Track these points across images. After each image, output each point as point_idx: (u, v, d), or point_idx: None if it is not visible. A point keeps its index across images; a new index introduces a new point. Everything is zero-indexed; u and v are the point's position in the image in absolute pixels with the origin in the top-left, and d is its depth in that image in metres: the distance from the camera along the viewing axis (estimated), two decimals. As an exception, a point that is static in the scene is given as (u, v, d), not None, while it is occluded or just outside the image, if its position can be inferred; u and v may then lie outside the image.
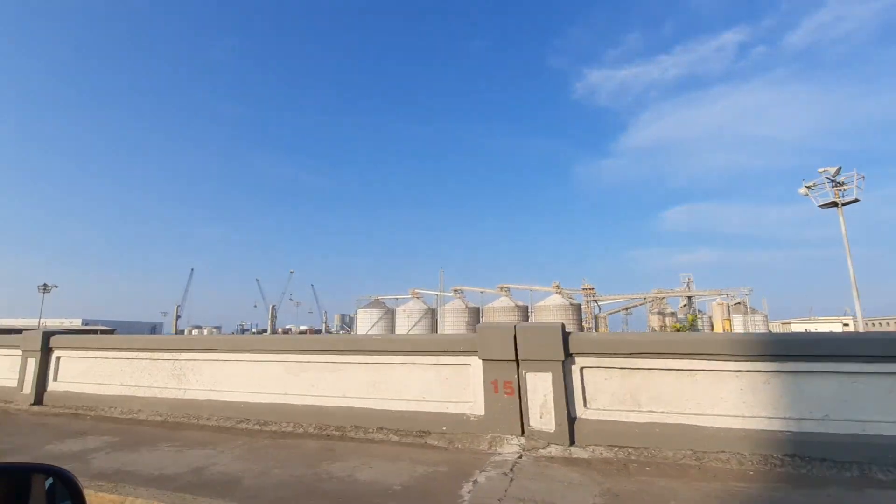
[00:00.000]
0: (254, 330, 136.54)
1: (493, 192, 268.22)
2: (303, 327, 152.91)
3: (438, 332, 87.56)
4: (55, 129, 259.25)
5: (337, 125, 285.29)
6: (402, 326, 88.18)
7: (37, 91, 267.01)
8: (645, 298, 75.83)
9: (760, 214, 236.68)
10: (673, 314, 77.19)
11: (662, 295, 76.69)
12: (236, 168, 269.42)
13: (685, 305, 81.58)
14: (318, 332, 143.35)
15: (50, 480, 1.13)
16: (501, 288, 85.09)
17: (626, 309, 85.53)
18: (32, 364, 8.32)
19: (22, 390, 8.25)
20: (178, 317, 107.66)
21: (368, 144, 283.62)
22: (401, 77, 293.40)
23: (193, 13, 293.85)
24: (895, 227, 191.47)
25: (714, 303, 67.79)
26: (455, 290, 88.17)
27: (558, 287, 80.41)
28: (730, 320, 66.51)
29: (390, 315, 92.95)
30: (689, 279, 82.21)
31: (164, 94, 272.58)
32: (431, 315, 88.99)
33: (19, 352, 8.59)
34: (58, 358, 8.36)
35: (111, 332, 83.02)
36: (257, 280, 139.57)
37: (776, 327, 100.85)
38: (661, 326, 77.00)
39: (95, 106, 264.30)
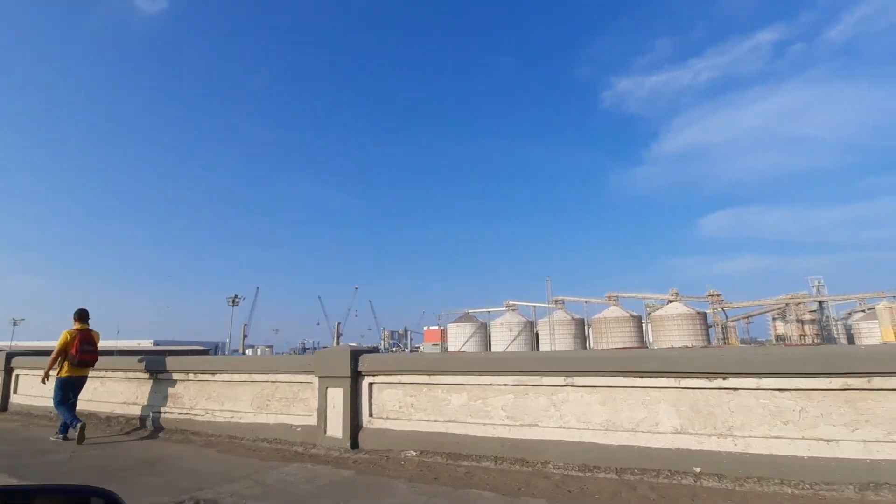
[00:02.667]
0: (309, 349, 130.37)
1: (536, 203, 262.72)
2: (352, 344, 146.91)
3: (540, 347, 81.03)
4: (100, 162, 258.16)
5: (363, 145, 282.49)
6: (500, 342, 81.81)
7: (88, 126, 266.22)
8: (788, 304, 69.17)
9: (810, 217, 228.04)
10: (813, 321, 70.45)
11: (798, 300, 70.04)
12: (286, 192, 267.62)
13: (814, 311, 74.95)
14: (376, 349, 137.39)
15: (101, 502, 1.16)
16: (609, 297, 78.81)
17: (748, 317, 78.96)
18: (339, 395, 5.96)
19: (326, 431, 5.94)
20: (245, 336, 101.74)
21: (405, 163, 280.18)
22: (428, 96, 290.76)
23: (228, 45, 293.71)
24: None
25: (880, 305, 60.92)
26: (556, 301, 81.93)
27: (677, 294, 74.14)
28: (901, 326, 59.46)
29: (483, 330, 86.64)
30: (818, 282, 75.67)
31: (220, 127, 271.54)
32: (530, 328, 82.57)
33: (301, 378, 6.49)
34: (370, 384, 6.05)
35: (206, 352, 77.22)
36: (319, 297, 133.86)
37: None
38: (801, 336, 70.31)
39: (139, 137, 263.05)
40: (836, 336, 73.24)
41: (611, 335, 75.18)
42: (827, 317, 73.91)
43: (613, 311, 76.98)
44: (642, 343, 74.45)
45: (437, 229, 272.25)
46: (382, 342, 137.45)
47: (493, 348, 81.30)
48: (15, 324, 69.81)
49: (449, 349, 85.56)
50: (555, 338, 75.89)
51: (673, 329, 72.15)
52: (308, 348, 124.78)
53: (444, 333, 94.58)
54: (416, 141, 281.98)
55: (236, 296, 68.85)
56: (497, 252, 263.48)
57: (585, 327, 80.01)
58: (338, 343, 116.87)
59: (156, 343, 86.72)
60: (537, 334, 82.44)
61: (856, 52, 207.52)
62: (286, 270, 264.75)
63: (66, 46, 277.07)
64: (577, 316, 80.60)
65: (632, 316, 75.84)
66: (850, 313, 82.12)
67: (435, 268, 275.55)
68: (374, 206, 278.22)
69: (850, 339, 73.46)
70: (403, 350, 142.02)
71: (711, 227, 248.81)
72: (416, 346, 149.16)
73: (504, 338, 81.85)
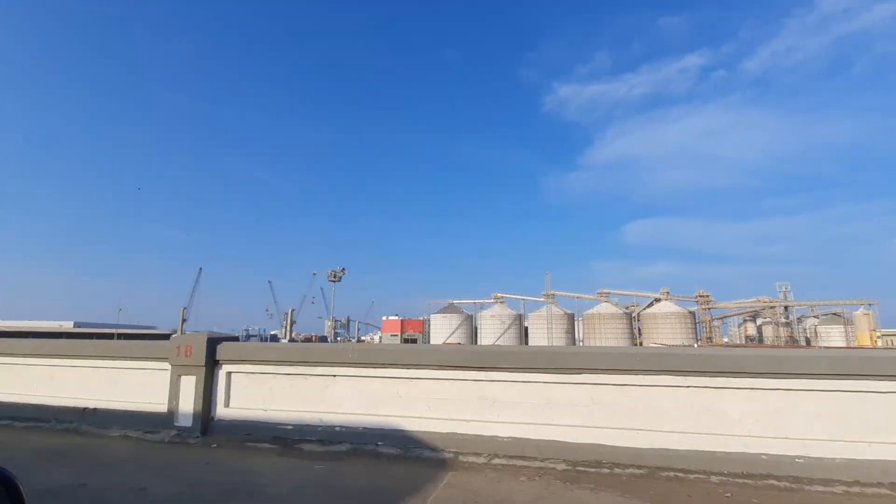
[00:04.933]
0: (255, 336, 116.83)
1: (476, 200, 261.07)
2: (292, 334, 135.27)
3: (529, 341, 78.41)
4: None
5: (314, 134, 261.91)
6: (489, 335, 77.87)
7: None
8: (774, 307, 72.96)
9: (717, 230, 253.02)
10: (788, 324, 75.14)
11: (775, 303, 74.33)
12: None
13: (784, 314, 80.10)
14: (324, 339, 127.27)
15: None
16: (601, 293, 78.29)
17: (722, 318, 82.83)
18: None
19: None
20: (184, 320, 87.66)
21: (347, 151, 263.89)
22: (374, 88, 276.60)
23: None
24: (840, 245, 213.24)
25: (857, 312, 66.01)
26: (546, 295, 79.74)
27: (667, 293, 75.40)
28: (875, 332, 64.73)
29: (469, 322, 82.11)
30: (785, 288, 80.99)
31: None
32: (519, 321, 79.64)
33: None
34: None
35: (163, 336, 64.48)
36: (269, 282, 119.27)
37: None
38: (776, 338, 74.59)
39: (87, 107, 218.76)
40: (797, 338, 79.02)
41: (603, 331, 74.56)
42: (792, 320, 79.34)
43: (606, 308, 76.54)
44: (633, 340, 74.75)
45: (375, 221, 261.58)
46: (328, 332, 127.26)
47: (482, 341, 77.17)
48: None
49: (432, 342, 79.91)
50: (552, 332, 73.61)
51: (665, 327, 73.13)
52: (253, 335, 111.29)
53: (406, 324, 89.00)
54: (353, 129, 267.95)
55: (342, 269, 59.34)
56: (440, 245, 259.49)
57: (575, 322, 78.89)
58: (290, 332, 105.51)
59: (77, 325, 70.52)
60: (526, 328, 79.84)
61: (768, 84, 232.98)
62: (232, 253, 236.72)
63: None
64: (567, 311, 79.23)
65: (624, 313, 75.90)
66: (800, 318, 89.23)
67: (382, 258, 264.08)
68: (311, 192, 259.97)
69: (807, 342, 79.66)
70: (350, 340, 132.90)
71: (634, 233, 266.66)
72: (364, 337, 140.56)
73: (493, 331, 78.10)
